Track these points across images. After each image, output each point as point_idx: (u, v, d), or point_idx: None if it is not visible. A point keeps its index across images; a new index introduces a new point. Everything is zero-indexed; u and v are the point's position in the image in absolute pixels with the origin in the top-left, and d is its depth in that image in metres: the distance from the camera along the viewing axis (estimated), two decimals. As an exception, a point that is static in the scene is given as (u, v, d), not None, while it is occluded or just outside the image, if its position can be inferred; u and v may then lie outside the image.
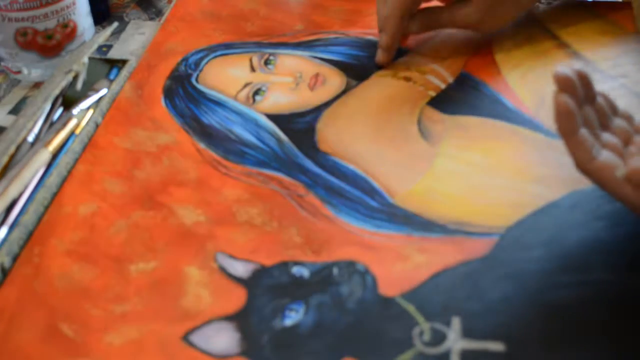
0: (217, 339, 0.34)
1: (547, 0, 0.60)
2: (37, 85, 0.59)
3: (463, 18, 0.53)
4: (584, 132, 0.36)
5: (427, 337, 0.34)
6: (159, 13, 0.69)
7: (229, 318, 0.36)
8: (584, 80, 0.38)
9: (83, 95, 0.52)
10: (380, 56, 0.54)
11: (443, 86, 0.52)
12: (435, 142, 0.47)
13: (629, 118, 0.40)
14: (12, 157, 0.46)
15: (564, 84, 0.36)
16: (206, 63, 0.56)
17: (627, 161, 0.36)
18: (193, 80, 0.54)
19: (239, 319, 0.36)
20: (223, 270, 0.38)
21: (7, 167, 0.45)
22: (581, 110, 0.37)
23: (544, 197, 0.41)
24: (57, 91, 0.49)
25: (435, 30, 0.58)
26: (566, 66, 0.37)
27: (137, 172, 0.45)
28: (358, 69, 0.55)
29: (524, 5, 0.55)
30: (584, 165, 0.36)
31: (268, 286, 0.37)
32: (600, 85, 0.51)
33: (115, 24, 0.62)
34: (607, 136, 0.38)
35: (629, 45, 0.54)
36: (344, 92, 0.52)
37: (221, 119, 0.50)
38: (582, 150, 0.36)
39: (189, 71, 0.55)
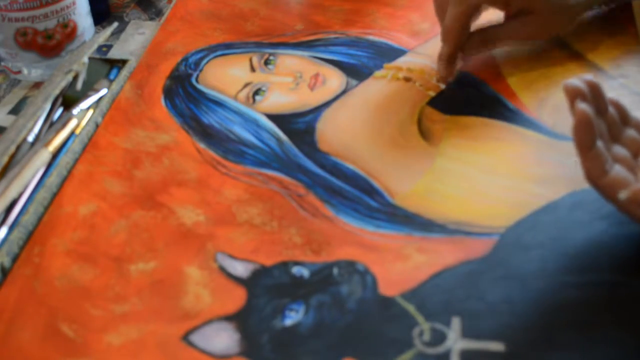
0: (217, 339, 0.34)
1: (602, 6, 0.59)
2: (37, 85, 0.58)
3: (522, 33, 0.52)
4: (600, 145, 0.35)
5: (427, 337, 0.34)
6: (159, 13, 0.69)
7: (228, 318, 0.36)
8: (595, 91, 0.36)
9: (83, 95, 0.52)
10: (442, 70, 0.52)
11: (443, 86, 0.52)
12: (435, 142, 0.47)
13: None
14: (12, 157, 0.46)
15: (574, 96, 0.35)
16: (206, 63, 0.56)
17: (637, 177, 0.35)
18: (193, 80, 0.54)
19: (239, 319, 0.36)
20: (223, 270, 0.38)
21: (7, 167, 0.45)
22: (597, 120, 0.35)
23: (544, 197, 0.41)
24: (57, 91, 0.49)
25: (434, 31, 0.58)
26: (576, 78, 0.35)
27: (137, 172, 0.45)
28: (358, 69, 0.55)
29: (577, 14, 0.54)
30: (596, 180, 0.35)
31: (268, 286, 0.37)
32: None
33: (115, 24, 0.62)
34: (618, 149, 0.37)
35: (630, 46, 0.54)
36: (344, 92, 0.52)
37: (221, 119, 0.50)
38: (596, 164, 0.35)
39: (189, 71, 0.55)
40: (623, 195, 0.34)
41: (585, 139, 0.34)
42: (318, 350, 0.34)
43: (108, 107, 0.51)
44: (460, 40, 0.51)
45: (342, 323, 0.35)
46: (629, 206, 0.35)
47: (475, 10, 0.50)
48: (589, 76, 0.37)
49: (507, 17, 0.52)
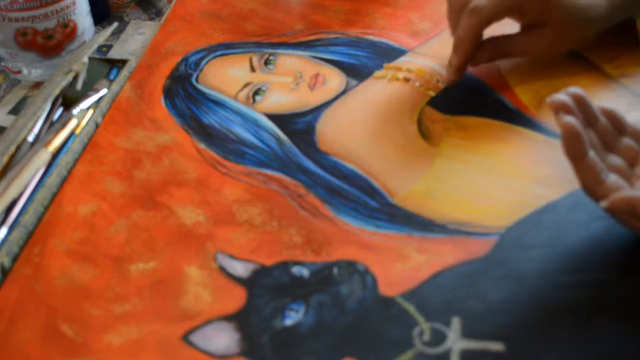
0: (217, 339, 0.34)
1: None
2: (37, 85, 0.59)
3: (536, 46, 0.50)
4: (592, 155, 0.35)
5: (427, 337, 0.34)
6: (159, 13, 0.69)
7: (228, 318, 0.36)
8: (582, 103, 0.37)
9: (83, 95, 0.52)
10: (450, 75, 0.51)
11: (443, 86, 0.52)
12: (435, 142, 0.47)
13: (637, 134, 0.39)
14: (12, 157, 0.46)
15: (561, 110, 0.35)
16: (206, 63, 0.56)
17: (633, 185, 0.36)
18: (193, 80, 0.54)
19: (239, 319, 0.36)
20: (223, 270, 0.38)
21: (7, 167, 0.45)
22: (586, 132, 0.36)
23: (544, 197, 0.41)
24: (57, 91, 0.49)
25: (434, 31, 0.58)
26: (561, 92, 0.36)
27: (137, 172, 0.45)
28: (358, 69, 0.55)
29: (594, 28, 0.51)
30: (592, 189, 0.35)
31: (268, 286, 0.37)
32: (600, 84, 0.51)
33: (115, 24, 0.62)
34: (613, 158, 0.37)
35: (631, 45, 0.54)
36: (344, 92, 0.52)
37: (221, 119, 0.50)
38: (590, 174, 0.35)
39: (189, 71, 0.55)
40: (602, 204, 0.34)
41: (575, 150, 0.35)
42: (318, 350, 0.34)
43: (108, 107, 0.51)
44: (472, 50, 0.50)
45: (342, 323, 0.35)
46: (613, 214, 0.35)
47: (490, 22, 0.49)
48: (574, 88, 0.37)
49: (522, 29, 0.51)
